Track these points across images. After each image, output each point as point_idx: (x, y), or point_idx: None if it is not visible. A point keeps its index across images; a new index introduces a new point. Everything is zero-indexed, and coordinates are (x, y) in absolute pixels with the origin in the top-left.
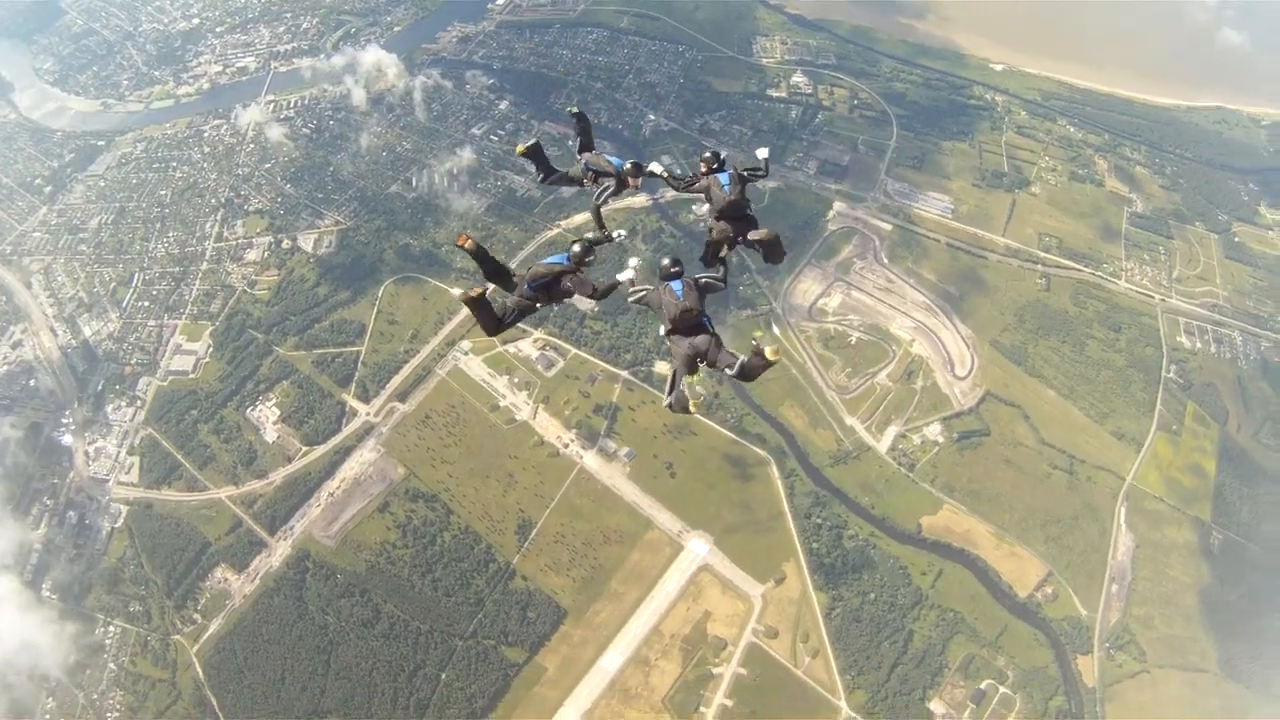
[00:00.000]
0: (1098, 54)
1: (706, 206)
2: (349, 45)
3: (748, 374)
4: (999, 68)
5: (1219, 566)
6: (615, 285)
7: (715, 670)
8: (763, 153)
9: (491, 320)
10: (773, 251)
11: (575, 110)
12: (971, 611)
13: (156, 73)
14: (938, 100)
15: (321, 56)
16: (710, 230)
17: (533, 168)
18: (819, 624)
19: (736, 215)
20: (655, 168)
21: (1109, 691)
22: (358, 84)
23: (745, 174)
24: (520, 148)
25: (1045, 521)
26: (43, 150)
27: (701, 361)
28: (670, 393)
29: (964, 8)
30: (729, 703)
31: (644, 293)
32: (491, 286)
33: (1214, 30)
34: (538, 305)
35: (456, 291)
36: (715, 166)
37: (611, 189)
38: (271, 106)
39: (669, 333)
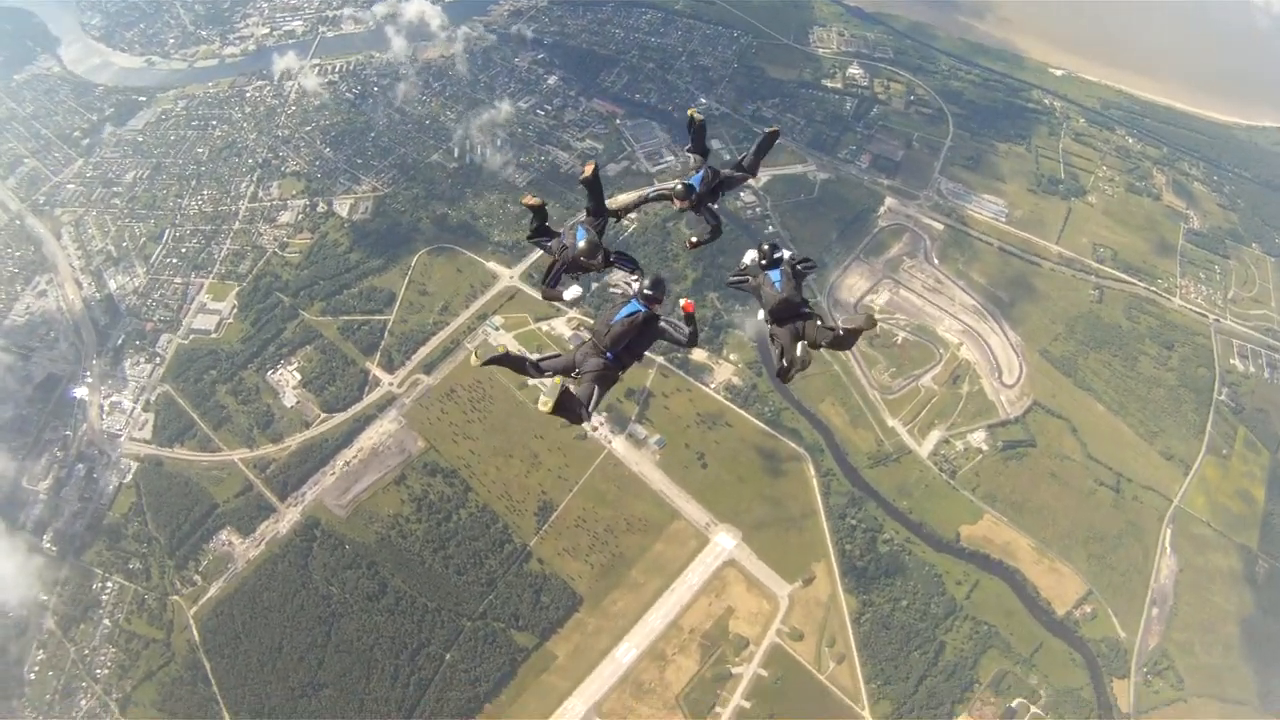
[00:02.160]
0: (1158, 64)
1: (761, 313)
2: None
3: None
4: (1058, 73)
5: (1263, 596)
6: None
7: (734, 669)
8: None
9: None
10: (849, 340)
11: (698, 116)
12: (1007, 626)
13: (203, 32)
14: (995, 101)
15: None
16: (771, 339)
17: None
18: (847, 628)
19: (790, 314)
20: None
21: (1143, 719)
22: (398, 34)
23: (799, 266)
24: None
25: (1088, 538)
26: (83, 104)
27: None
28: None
29: (1024, 9)
30: (746, 704)
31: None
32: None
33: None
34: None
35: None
36: (767, 263)
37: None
38: (317, 69)
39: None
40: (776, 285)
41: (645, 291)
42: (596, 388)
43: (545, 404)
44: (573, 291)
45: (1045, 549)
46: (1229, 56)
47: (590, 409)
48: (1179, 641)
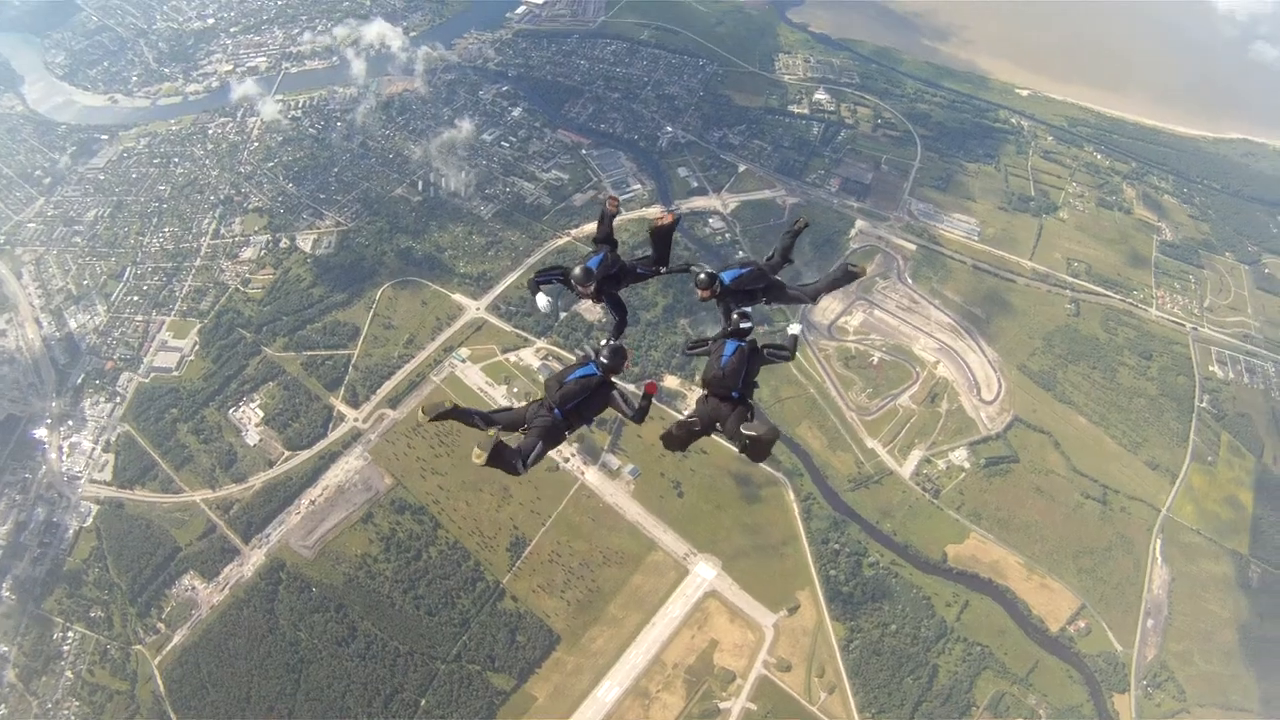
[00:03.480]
0: (1123, 80)
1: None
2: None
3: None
4: (1024, 92)
5: (1258, 601)
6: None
7: (722, 704)
8: (795, 329)
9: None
10: (758, 450)
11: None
12: (1000, 646)
13: (166, 69)
14: (962, 122)
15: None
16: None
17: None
18: (835, 656)
19: (721, 394)
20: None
21: None
22: (358, 56)
23: (766, 351)
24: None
25: (1078, 553)
26: (45, 143)
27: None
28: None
29: (988, 31)
30: None
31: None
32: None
33: (1245, 45)
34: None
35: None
36: (732, 330)
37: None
38: (280, 105)
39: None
40: (724, 361)
41: (602, 359)
42: (541, 443)
43: (479, 456)
44: (542, 300)
45: (1034, 565)
46: (1193, 69)
47: (529, 462)
48: (1177, 652)
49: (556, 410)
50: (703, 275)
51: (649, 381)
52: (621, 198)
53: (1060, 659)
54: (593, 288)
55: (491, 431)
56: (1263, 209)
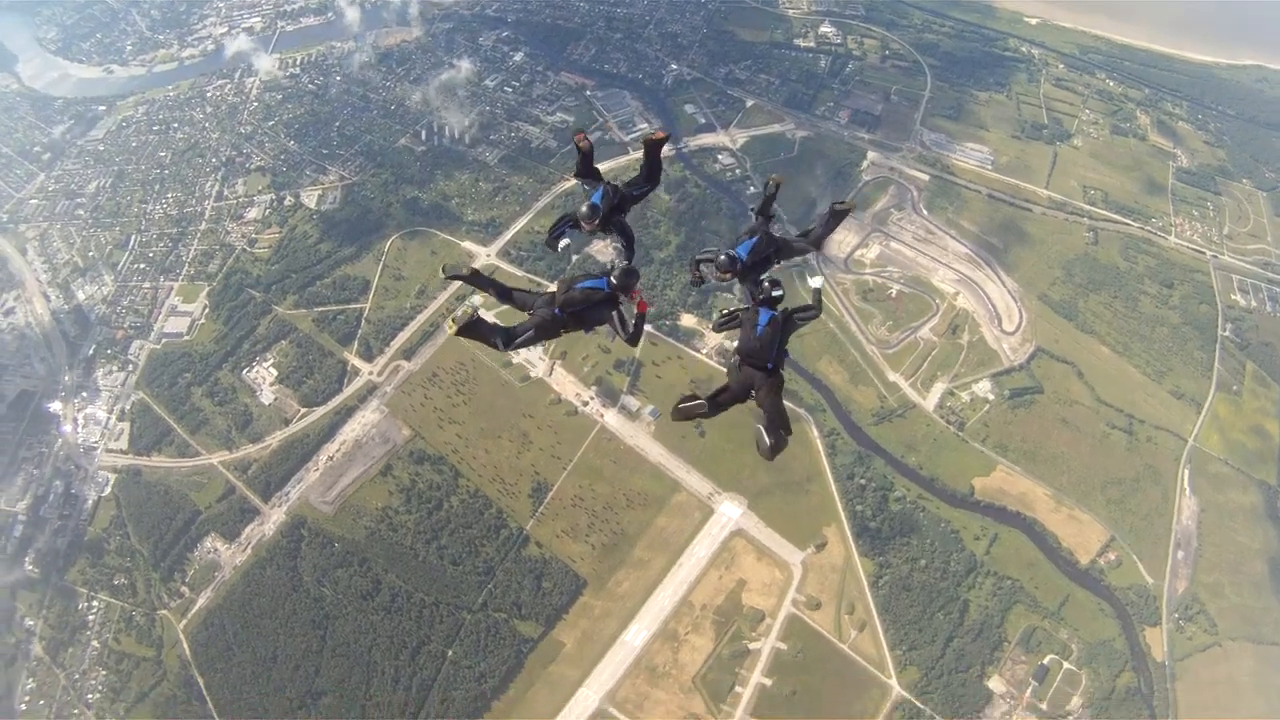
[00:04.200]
0: (1132, 6)
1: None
2: None
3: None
4: (1033, 21)
5: None
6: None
7: (752, 645)
8: (816, 281)
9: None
10: (775, 434)
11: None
12: (1031, 579)
13: (160, 36)
14: (971, 51)
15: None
16: (728, 370)
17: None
18: (865, 593)
19: (757, 366)
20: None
21: (1179, 667)
22: (353, 6)
23: (796, 316)
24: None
25: (1105, 483)
26: (43, 118)
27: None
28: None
29: None
30: (767, 681)
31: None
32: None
33: None
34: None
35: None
36: (764, 299)
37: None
38: (278, 62)
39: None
40: (759, 330)
41: (613, 278)
42: (533, 332)
43: (451, 328)
44: (562, 242)
45: (1062, 497)
46: None
47: (515, 345)
48: (1208, 584)
49: (557, 309)
50: (723, 257)
51: (641, 301)
52: (629, 137)
53: (1091, 592)
54: (598, 222)
55: (468, 308)
56: (1278, 135)
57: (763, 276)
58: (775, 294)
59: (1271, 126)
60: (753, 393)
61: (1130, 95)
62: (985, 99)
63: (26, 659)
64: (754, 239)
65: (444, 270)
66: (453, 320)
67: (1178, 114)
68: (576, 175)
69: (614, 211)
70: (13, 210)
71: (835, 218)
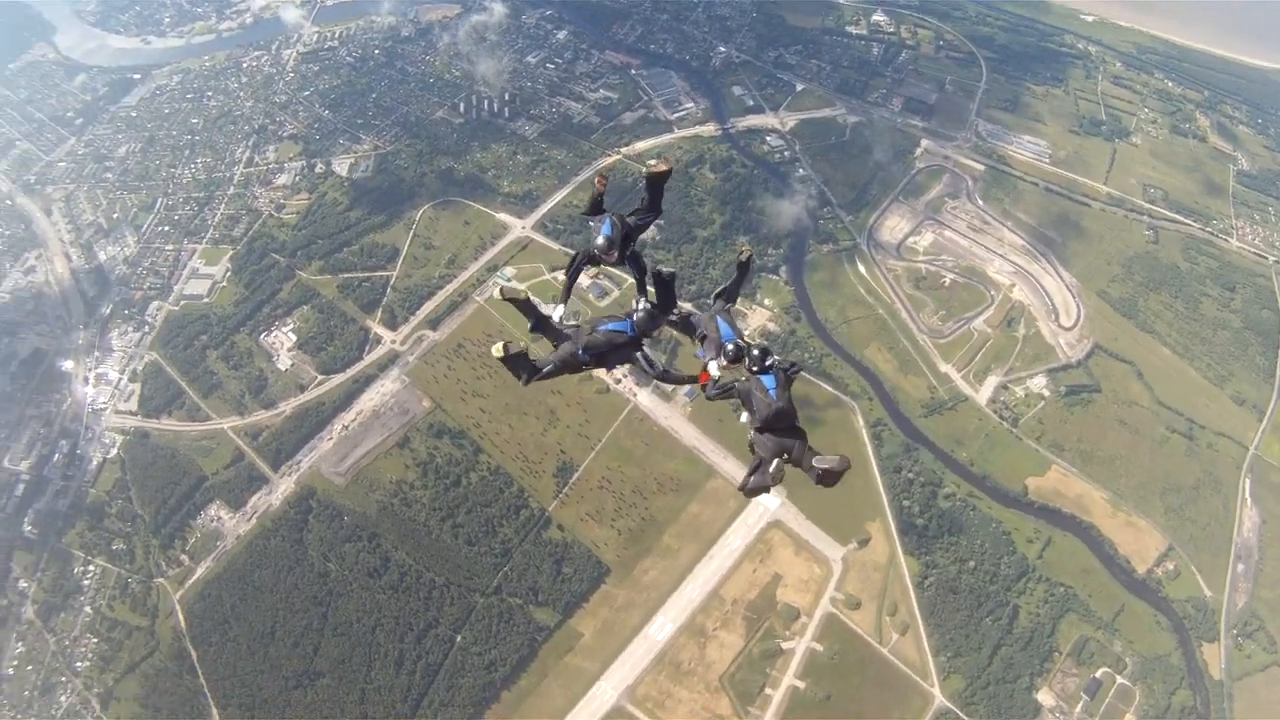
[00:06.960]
0: (1190, 7)
1: (745, 415)
2: None
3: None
4: (1088, 18)
5: None
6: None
7: (785, 644)
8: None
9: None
10: (830, 480)
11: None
12: (1084, 587)
13: (199, 9)
14: (1026, 45)
15: None
16: (751, 447)
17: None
18: (909, 595)
19: (785, 427)
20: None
21: (1236, 686)
22: None
23: (788, 371)
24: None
25: (1164, 490)
26: (78, 85)
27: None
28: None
29: None
30: (800, 684)
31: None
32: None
33: None
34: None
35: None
36: (759, 367)
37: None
38: (316, 35)
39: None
40: (771, 393)
41: (638, 323)
42: (554, 366)
43: (498, 350)
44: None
45: (1120, 502)
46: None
47: (535, 379)
48: (1268, 600)
49: (580, 350)
50: (731, 348)
51: (703, 372)
52: (674, 116)
53: (1148, 603)
54: (616, 253)
55: (523, 343)
56: None
57: (753, 347)
58: (768, 362)
59: None
60: (786, 455)
61: (1189, 97)
62: (1042, 93)
63: (18, 622)
64: (725, 320)
65: (501, 292)
66: (504, 346)
67: (1238, 117)
68: (584, 214)
69: (624, 241)
70: (41, 172)
71: (741, 270)
